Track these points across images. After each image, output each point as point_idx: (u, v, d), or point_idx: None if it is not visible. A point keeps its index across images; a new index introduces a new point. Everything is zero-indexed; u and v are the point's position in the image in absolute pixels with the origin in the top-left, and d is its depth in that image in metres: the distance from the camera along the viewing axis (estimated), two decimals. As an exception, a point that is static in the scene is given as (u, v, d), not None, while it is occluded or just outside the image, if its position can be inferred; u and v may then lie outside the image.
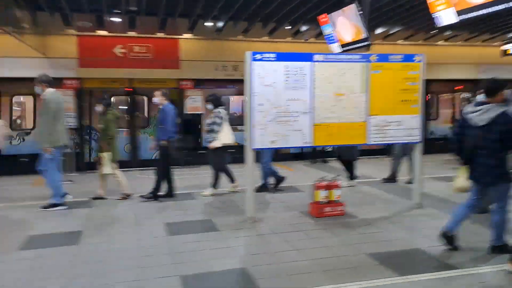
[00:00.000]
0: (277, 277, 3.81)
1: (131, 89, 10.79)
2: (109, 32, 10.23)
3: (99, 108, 6.98)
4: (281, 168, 10.37)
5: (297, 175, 9.48)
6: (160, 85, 10.81)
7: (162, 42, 10.72)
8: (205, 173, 9.49)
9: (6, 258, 4.39)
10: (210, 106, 7.25)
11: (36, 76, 6.42)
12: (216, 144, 7.04)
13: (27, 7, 8.23)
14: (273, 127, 5.36)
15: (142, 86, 10.80)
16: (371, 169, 9.70)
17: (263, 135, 5.34)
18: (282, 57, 5.40)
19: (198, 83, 11.12)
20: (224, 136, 7.06)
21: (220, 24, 10.14)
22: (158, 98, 7.03)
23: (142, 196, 6.94)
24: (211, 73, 11.06)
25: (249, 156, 5.46)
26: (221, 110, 7.14)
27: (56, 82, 9.82)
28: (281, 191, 7.47)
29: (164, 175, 7.00)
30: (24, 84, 9.80)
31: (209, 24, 10.10)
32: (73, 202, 6.61)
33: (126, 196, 7.00)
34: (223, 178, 7.37)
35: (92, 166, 10.15)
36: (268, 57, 5.35)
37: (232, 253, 4.45)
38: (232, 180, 7.43)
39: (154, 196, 6.89)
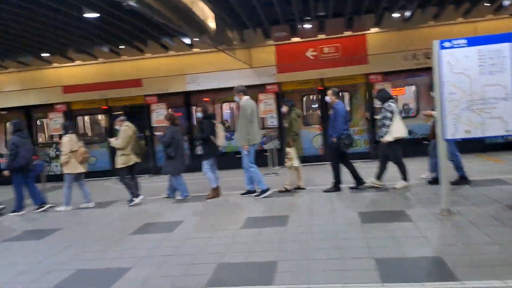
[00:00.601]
0: (476, 268, 3.78)
1: (322, 88, 11.52)
2: (301, 38, 11.18)
3: (284, 108, 7.87)
4: (487, 160, 9.54)
5: (507, 166, 8.57)
6: (349, 82, 11.32)
7: (350, 40, 11.11)
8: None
9: (231, 234, 5.52)
10: (378, 102, 7.27)
11: (234, 86, 7.72)
12: (388, 138, 7.04)
13: (236, 27, 9.77)
14: (466, 116, 5.17)
15: (332, 85, 11.42)
16: None
17: (455, 125, 5.21)
18: (474, 41, 5.14)
19: (387, 75, 11.10)
20: (396, 130, 7.01)
21: (407, 13, 9.92)
22: (329, 97, 7.47)
23: (325, 191, 7.47)
24: (400, 64, 10.90)
25: (441, 147, 5.39)
26: (391, 104, 7.09)
27: (260, 88, 11.41)
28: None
29: (337, 168, 7.43)
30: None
31: (396, 15, 10.00)
32: (277, 192, 7.67)
33: (286, 190, 7.71)
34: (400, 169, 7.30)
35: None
36: (458, 44, 5.17)
37: (425, 242, 4.56)
38: (379, 176, 7.34)
39: (335, 188, 7.43)
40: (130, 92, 11.94)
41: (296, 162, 7.61)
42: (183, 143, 8.27)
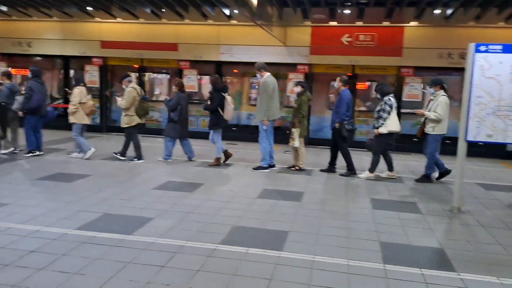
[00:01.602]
0: (474, 264, 3.99)
1: (351, 75, 11.58)
2: (338, 23, 11.20)
3: (297, 88, 8.10)
4: (506, 167, 9.59)
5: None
6: (380, 72, 11.35)
7: (387, 30, 11.06)
8: (415, 159, 9.69)
9: (248, 201, 5.85)
10: (378, 96, 7.68)
11: (256, 64, 7.99)
12: (383, 130, 7.40)
13: (277, 4, 9.87)
14: (491, 120, 5.30)
15: (363, 73, 11.48)
16: None
17: (478, 127, 5.35)
18: (510, 49, 5.21)
19: (418, 70, 11.09)
20: (392, 124, 7.39)
21: (449, 11, 9.83)
22: (337, 84, 7.92)
23: (341, 175, 7.86)
24: (434, 60, 10.85)
25: (461, 147, 5.54)
26: (391, 98, 7.45)
27: (291, 67, 11.56)
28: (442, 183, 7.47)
29: (347, 153, 7.84)
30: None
31: (437, 11, 9.92)
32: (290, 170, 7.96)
33: (299, 169, 8.11)
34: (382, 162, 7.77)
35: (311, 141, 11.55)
36: (493, 49, 5.25)
37: (431, 234, 4.80)
38: (390, 167, 7.77)
39: (350, 173, 7.83)
40: (165, 55, 12.23)
41: (296, 143, 7.92)
42: (187, 109, 8.72)
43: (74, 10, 11.21)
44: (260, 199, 6.01)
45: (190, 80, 11.94)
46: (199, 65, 12.20)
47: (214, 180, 7.12)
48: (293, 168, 8.18)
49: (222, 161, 8.43)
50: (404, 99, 11.17)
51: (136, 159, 8.39)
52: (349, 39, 11.30)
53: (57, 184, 6.45)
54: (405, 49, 11.01)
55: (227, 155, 8.50)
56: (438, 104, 7.19)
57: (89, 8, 11.25)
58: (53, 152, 8.93)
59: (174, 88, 8.54)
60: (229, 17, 11.18)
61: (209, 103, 8.26)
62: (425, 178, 7.54)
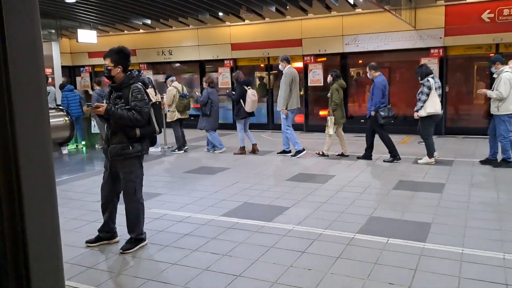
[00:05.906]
0: None
1: (494, 55, 10.36)
2: (478, -2, 10.13)
3: (328, 78, 8.23)
4: None
5: None
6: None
7: (540, 0, 9.64)
8: None
9: (383, 192, 5.69)
10: (418, 77, 7.23)
11: (280, 56, 8.48)
12: (422, 113, 7.14)
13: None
14: None
15: (510, 51, 10.18)
16: None
17: None
18: None
19: None
20: (431, 106, 7.05)
21: None
22: (368, 72, 7.79)
23: (385, 161, 7.72)
24: None
25: None
26: (429, 79, 7.11)
27: (422, 52, 10.85)
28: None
29: (387, 139, 7.63)
30: (392, 55, 11.38)
31: None
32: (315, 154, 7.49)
33: (322, 154, 8.27)
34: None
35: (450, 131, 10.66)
36: None
37: None
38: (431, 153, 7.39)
39: (394, 158, 7.65)
40: (290, 51, 12.46)
41: (331, 131, 7.97)
42: (218, 103, 9.28)
43: (208, 17, 12.14)
44: (396, 190, 5.80)
45: (316, 74, 11.99)
46: (323, 59, 12.17)
47: (346, 172, 7.06)
48: (317, 153, 8.37)
49: (250, 151, 8.89)
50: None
51: (177, 150, 9.24)
52: (491, 15, 10.11)
53: (202, 176, 7.10)
54: None
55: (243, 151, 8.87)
56: (500, 81, 6.59)
57: (220, 14, 12.07)
58: (194, 149, 9.80)
59: (204, 84, 9.19)
60: (354, 6, 10.92)
61: (233, 93, 9.05)
62: (504, 163, 6.88)
